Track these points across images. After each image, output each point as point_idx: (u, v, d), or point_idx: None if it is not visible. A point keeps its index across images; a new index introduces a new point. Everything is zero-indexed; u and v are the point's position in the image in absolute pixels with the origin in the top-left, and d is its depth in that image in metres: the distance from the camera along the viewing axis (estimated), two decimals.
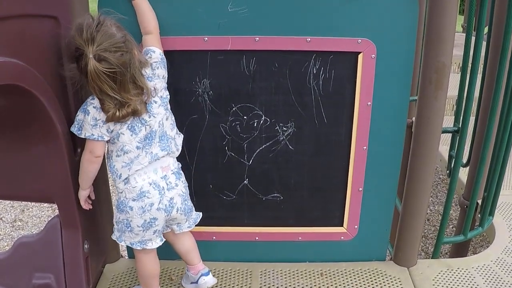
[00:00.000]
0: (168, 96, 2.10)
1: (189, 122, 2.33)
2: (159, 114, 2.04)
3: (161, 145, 2.08)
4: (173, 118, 2.15)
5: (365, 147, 2.39)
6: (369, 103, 2.30)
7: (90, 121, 1.94)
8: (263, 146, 2.39)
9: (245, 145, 2.38)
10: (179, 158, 2.23)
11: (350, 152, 2.42)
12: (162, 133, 2.07)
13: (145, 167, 2.05)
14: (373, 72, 2.25)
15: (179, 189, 2.15)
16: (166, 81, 2.09)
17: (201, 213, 2.29)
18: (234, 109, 2.31)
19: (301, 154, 2.42)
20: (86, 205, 2.17)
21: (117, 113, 1.90)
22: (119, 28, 1.90)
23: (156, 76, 2.02)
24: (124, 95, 1.88)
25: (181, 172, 2.21)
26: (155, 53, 2.04)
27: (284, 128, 2.36)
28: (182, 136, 2.21)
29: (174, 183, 2.12)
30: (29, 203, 4.91)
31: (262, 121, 2.34)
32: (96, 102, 1.92)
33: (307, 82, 2.27)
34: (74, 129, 1.98)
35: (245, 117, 2.32)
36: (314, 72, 2.25)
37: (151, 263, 2.25)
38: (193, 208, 2.26)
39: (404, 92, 2.32)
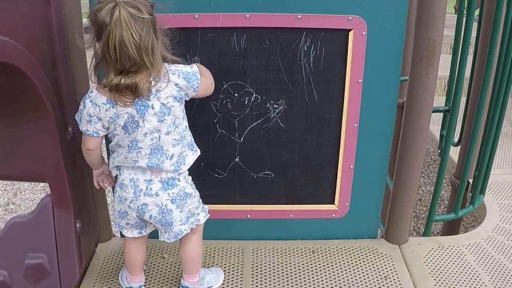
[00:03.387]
0: (178, 119, 1.99)
1: None
2: (151, 122, 1.90)
3: (151, 159, 1.97)
4: (185, 134, 2.04)
5: (356, 125, 2.39)
6: (360, 80, 2.30)
7: (85, 116, 1.91)
8: (254, 124, 2.39)
9: (236, 122, 2.38)
10: None
11: (341, 130, 2.42)
12: (156, 147, 1.97)
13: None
14: (364, 49, 2.25)
15: (159, 199, 2.01)
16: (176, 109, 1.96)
17: (187, 231, 2.14)
18: (225, 86, 2.30)
19: (292, 132, 2.42)
20: (96, 184, 2.21)
21: (122, 81, 1.78)
22: None
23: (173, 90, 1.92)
24: (136, 64, 1.78)
25: (177, 184, 2.04)
26: (191, 91, 1.97)
27: (275, 106, 2.36)
28: (196, 153, 2.11)
29: (155, 191, 2.01)
30: (22, 186, 4.92)
31: (253, 99, 2.34)
32: (93, 94, 1.88)
33: (298, 60, 2.27)
34: (77, 118, 1.96)
35: (236, 95, 2.32)
36: (305, 49, 2.25)
37: (130, 249, 2.23)
38: (180, 224, 2.10)
39: (395, 69, 2.32)
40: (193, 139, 2.10)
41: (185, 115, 2.04)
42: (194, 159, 2.08)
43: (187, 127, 2.06)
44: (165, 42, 1.94)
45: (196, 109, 2.33)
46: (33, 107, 1.92)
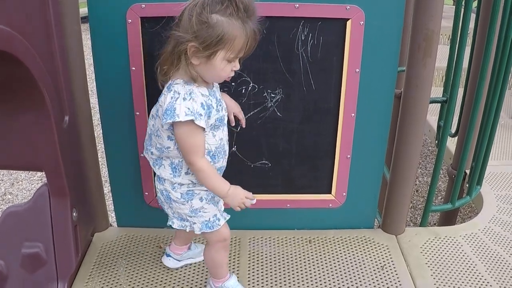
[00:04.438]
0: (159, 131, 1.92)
1: None
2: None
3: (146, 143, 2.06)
4: (169, 152, 1.94)
5: (353, 114, 2.39)
6: (357, 70, 2.29)
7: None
8: (251, 113, 2.38)
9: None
10: None
11: (338, 119, 2.42)
12: (151, 132, 1.97)
13: None
14: (361, 39, 2.24)
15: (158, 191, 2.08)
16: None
17: (182, 228, 2.10)
18: None
19: (289, 121, 2.41)
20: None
21: None
22: None
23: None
24: None
25: (162, 183, 2.03)
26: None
27: (272, 95, 2.35)
28: (178, 178, 1.99)
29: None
30: (19, 176, 4.92)
31: (250, 88, 2.33)
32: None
33: (295, 49, 2.26)
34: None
35: (233, 84, 2.31)
36: (303, 38, 2.24)
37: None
38: (172, 217, 2.11)
39: (393, 59, 2.31)
40: (183, 167, 1.97)
41: (173, 143, 1.92)
42: (172, 178, 2.00)
43: (173, 152, 1.94)
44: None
45: None
46: (29, 96, 1.91)
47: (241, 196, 1.97)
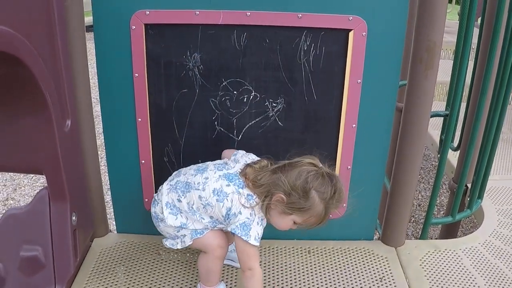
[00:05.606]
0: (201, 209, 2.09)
1: (179, 96, 2.33)
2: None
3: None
4: (187, 220, 2.12)
5: (354, 125, 2.39)
6: (359, 80, 2.30)
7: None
8: (253, 122, 2.39)
9: (235, 120, 2.38)
10: (168, 131, 2.29)
11: (339, 130, 2.42)
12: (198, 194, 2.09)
13: None
14: (363, 49, 2.25)
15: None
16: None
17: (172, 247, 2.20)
18: (224, 83, 2.30)
19: (290, 131, 2.42)
20: None
21: None
22: None
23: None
24: None
25: (156, 204, 2.19)
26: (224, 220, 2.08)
27: (274, 104, 2.36)
28: (177, 244, 2.16)
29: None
30: (22, 182, 4.93)
31: (252, 97, 2.34)
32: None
33: (298, 58, 2.27)
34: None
35: (235, 92, 2.32)
36: (305, 48, 2.25)
37: None
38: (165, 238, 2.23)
39: (395, 70, 2.32)
40: (194, 235, 2.12)
41: (210, 221, 2.11)
42: (170, 226, 2.13)
43: (197, 224, 2.12)
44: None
45: (194, 106, 2.34)
46: (31, 98, 1.92)
47: None
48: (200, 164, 2.20)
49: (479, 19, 2.98)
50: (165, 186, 2.17)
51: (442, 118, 3.13)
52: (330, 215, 2.04)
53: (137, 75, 2.27)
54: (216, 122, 2.39)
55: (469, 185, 3.19)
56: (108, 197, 2.98)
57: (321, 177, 1.97)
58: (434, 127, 4.22)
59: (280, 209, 1.99)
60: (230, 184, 2.04)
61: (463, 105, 3.07)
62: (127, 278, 2.38)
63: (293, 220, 2.03)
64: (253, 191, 2.03)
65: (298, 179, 1.95)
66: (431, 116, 2.44)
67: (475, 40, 2.90)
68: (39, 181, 4.94)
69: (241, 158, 2.19)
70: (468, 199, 3.12)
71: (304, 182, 1.94)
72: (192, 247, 2.17)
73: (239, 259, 2.06)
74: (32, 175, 5.05)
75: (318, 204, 1.96)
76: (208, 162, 2.20)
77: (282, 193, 1.96)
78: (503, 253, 2.67)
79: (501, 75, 2.72)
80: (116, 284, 2.34)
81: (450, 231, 3.52)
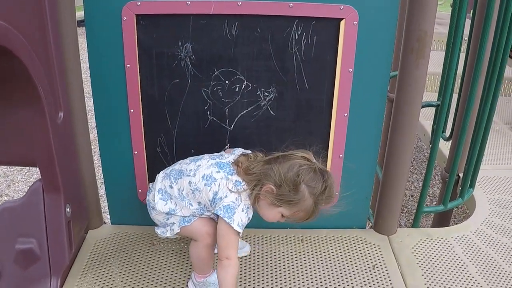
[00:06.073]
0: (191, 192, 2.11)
1: (171, 86, 2.33)
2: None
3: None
4: (177, 204, 2.14)
5: (346, 114, 2.41)
6: (351, 69, 2.31)
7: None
8: (245, 111, 2.40)
9: (227, 109, 2.39)
10: (160, 122, 2.30)
11: (331, 119, 2.43)
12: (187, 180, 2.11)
13: None
14: (355, 38, 2.26)
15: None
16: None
17: (162, 235, 2.22)
18: (216, 73, 2.31)
19: (282, 120, 2.43)
20: None
21: None
22: None
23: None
24: None
25: (149, 193, 2.24)
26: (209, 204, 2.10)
27: (266, 94, 2.37)
28: (167, 230, 2.18)
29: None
30: (15, 178, 4.93)
31: (243, 86, 2.35)
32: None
33: (289, 48, 2.28)
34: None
35: (227, 82, 2.33)
36: (296, 37, 2.26)
37: None
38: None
39: (386, 59, 2.34)
40: (175, 224, 2.15)
41: (199, 208, 2.13)
42: (159, 212, 2.15)
43: (186, 210, 2.13)
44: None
45: (187, 96, 2.35)
46: (24, 90, 1.92)
47: None
48: (198, 156, 2.22)
49: (472, 11, 3.00)
50: (160, 174, 2.20)
51: (434, 108, 3.16)
52: (319, 211, 2.06)
53: (129, 66, 2.28)
54: (208, 112, 2.39)
55: (461, 175, 3.21)
56: (101, 191, 3.00)
57: (313, 172, 1.97)
58: (427, 118, 4.24)
59: (269, 200, 2.00)
60: (220, 171, 2.06)
61: (456, 96, 3.10)
62: (121, 269, 2.39)
63: (281, 212, 2.04)
64: (243, 178, 2.05)
65: (289, 172, 1.95)
66: (423, 106, 2.46)
67: (467, 32, 2.92)
68: (33, 177, 4.94)
69: (238, 152, 2.21)
70: (460, 188, 3.14)
71: (295, 175, 1.95)
72: (181, 235, 2.20)
73: (218, 245, 2.05)
74: (25, 171, 5.06)
75: (307, 199, 1.97)
76: (205, 154, 2.22)
77: (273, 184, 1.97)
78: (494, 242, 2.70)
79: (492, 66, 2.74)
80: (111, 275, 2.35)
81: (442, 221, 3.55)
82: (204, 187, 2.05)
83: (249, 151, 2.23)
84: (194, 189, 2.07)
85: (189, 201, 2.10)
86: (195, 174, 2.08)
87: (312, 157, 2.06)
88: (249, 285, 2.32)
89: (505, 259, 2.56)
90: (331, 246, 2.60)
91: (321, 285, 2.33)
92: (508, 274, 2.43)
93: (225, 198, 2.01)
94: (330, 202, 2.06)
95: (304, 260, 2.50)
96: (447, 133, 3.39)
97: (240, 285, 2.32)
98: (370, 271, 2.43)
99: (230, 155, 2.18)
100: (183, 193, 2.10)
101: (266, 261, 2.48)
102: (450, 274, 2.42)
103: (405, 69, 2.32)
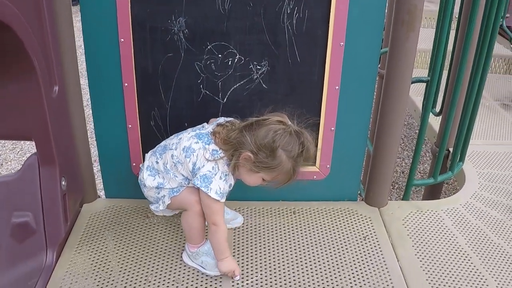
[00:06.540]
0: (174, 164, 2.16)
1: (165, 60, 2.35)
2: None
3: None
4: (166, 178, 2.20)
5: (337, 87, 2.43)
6: (342, 43, 2.33)
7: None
8: (237, 85, 2.42)
9: (220, 83, 2.41)
10: (154, 95, 2.32)
11: (322, 92, 2.45)
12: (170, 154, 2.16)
13: None
14: (346, 12, 2.28)
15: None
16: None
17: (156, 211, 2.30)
18: (209, 47, 2.33)
19: (274, 93, 2.45)
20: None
21: None
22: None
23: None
24: None
25: (141, 171, 2.28)
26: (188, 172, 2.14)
27: (258, 67, 2.39)
28: (159, 204, 2.24)
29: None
30: (8, 157, 4.92)
31: (236, 60, 2.37)
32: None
33: (281, 22, 2.30)
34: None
35: (219, 56, 2.35)
36: (288, 11, 2.28)
37: None
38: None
39: (377, 33, 2.35)
40: (166, 197, 2.21)
41: (183, 179, 2.18)
42: (150, 187, 2.23)
43: (173, 182, 2.19)
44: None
45: (180, 69, 2.37)
46: (18, 63, 1.93)
47: (232, 268, 2.19)
48: (182, 131, 2.25)
49: None
50: (149, 153, 2.27)
51: (425, 84, 3.19)
52: (300, 172, 2.09)
53: (122, 40, 2.29)
54: (201, 85, 2.41)
55: (451, 149, 3.24)
56: (96, 168, 3.01)
57: (289, 135, 1.99)
58: (418, 94, 4.27)
59: (248, 167, 2.03)
60: (198, 141, 2.10)
61: (446, 73, 3.13)
62: (116, 241, 2.42)
63: (261, 177, 2.08)
64: (220, 147, 2.08)
65: (265, 138, 1.97)
66: (413, 82, 2.49)
67: (457, 10, 2.95)
68: (25, 155, 4.93)
69: (219, 122, 2.24)
70: (450, 162, 3.19)
71: (271, 141, 1.96)
72: (172, 207, 2.23)
73: (204, 212, 2.14)
74: (18, 149, 5.06)
75: (285, 163, 1.99)
76: (189, 128, 2.26)
77: (249, 151, 1.99)
78: (483, 214, 2.75)
79: (481, 42, 2.77)
80: (106, 247, 2.38)
81: (433, 194, 3.59)
82: (185, 159, 2.09)
83: (228, 119, 2.26)
84: (176, 162, 2.12)
85: (174, 174, 2.15)
86: (177, 147, 2.13)
87: (287, 119, 2.07)
88: (242, 256, 2.36)
89: (494, 231, 2.61)
90: (323, 218, 2.64)
91: (314, 255, 2.37)
92: (497, 246, 2.48)
93: (202, 167, 2.05)
94: (309, 162, 2.13)
95: (297, 232, 2.53)
96: (438, 109, 3.43)
97: (234, 255, 2.35)
98: (361, 241, 2.47)
99: (210, 126, 2.21)
100: (168, 167, 2.15)
101: (259, 233, 2.52)
102: (440, 245, 2.47)
103: (396, 41, 2.34)
